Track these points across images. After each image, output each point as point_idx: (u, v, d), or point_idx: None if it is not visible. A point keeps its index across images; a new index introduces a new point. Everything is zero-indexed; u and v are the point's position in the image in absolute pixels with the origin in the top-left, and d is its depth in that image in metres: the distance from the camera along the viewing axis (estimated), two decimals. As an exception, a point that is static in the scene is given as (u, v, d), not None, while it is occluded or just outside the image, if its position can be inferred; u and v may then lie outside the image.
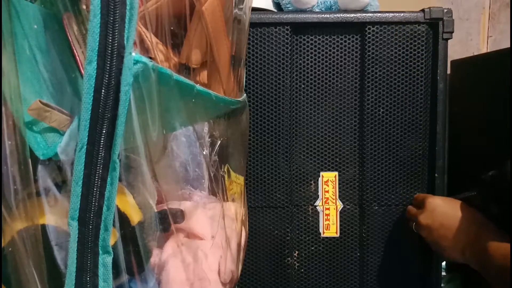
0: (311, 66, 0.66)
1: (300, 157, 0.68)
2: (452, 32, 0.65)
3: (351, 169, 0.69)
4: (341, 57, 0.66)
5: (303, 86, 0.67)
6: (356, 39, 0.66)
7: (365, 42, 0.65)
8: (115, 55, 0.27)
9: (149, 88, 0.32)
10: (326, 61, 0.66)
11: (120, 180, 0.31)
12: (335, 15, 0.65)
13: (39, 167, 0.32)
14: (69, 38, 0.33)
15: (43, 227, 0.33)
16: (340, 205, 0.69)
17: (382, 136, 0.67)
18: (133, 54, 0.29)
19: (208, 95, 0.43)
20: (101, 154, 0.29)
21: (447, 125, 0.67)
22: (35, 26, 0.33)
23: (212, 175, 0.50)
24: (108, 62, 0.27)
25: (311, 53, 0.66)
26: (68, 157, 0.31)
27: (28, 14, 0.32)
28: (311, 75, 0.67)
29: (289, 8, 0.68)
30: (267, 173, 0.68)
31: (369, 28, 0.65)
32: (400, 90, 0.66)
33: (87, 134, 0.28)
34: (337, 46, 0.66)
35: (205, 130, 0.50)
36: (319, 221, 0.69)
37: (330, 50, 0.66)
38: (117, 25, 0.27)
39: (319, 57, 0.66)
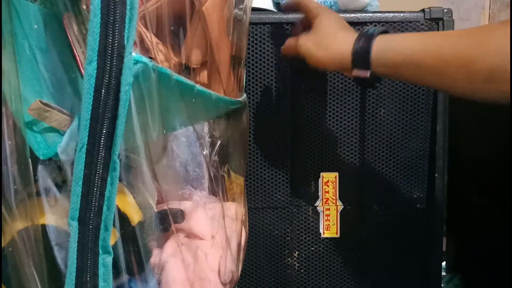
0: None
1: (300, 157, 0.68)
2: (452, 32, 0.65)
3: (351, 169, 0.68)
4: (341, 57, 0.66)
5: (303, 86, 0.67)
6: (356, 39, 0.66)
7: (365, 42, 0.65)
8: (115, 55, 0.28)
9: (149, 88, 0.32)
10: (326, 61, 0.66)
11: (120, 180, 0.31)
12: (335, 15, 0.65)
13: (39, 167, 0.32)
14: (69, 38, 0.33)
15: (43, 227, 0.33)
16: (340, 206, 0.69)
17: (382, 137, 0.67)
18: (133, 54, 0.29)
19: (208, 95, 0.43)
20: (101, 154, 0.29)
21: (447, 125, 0.67)
22: (35, 26, 0.33)
23: (212, 175, 0.50)
24: (108, 62, 0.28)
25: (311, 53, 0.66)
26: (68, 157, 0.31)
27: (28, 14, 0.32)
28: (311, 75, 0.66)
29: (289, 8, 0.68)
30: (267, 173, 0.68)
31: (369, 28, 0.65)
32: (400, 90, 0.66)
33: (87, 134, 0.28)
34: (337, 46, 0.66)
35: (205, 130, 0.50)
36: (319, 221, 0.69)
37: (330, 50, 0.66)
38: (117, 25, 0.27)
39: (319, 57, 0.66)
